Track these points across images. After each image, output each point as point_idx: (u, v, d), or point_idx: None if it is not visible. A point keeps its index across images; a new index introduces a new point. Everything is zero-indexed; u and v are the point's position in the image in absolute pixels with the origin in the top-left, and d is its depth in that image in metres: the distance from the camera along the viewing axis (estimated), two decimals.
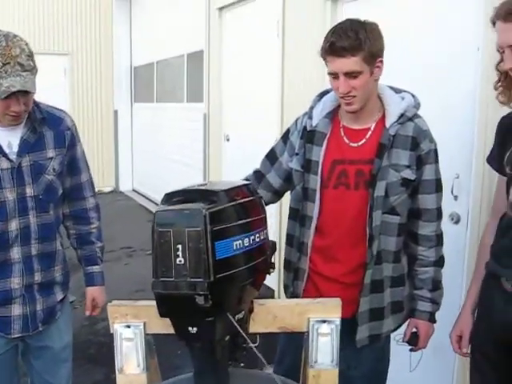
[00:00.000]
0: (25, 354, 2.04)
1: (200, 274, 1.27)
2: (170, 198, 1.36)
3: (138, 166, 8.79)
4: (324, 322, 1.65)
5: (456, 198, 2.56)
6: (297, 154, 1.91)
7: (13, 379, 2.00)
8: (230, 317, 1.35)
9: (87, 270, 2.17)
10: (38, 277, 1.93)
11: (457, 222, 2.56)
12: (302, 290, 1.94)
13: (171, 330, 1.62)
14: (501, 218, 1.72)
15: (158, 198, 1.33)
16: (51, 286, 1.99)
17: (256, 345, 1.51)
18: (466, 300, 1.87)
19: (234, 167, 4.99)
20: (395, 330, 1.94)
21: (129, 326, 1.61)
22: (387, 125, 1.79)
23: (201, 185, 1.43)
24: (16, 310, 1.90)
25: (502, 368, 1.70)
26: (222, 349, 1.43)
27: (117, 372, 1.60)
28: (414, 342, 1.90)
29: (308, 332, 1.64)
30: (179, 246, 1.27)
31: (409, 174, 1.79)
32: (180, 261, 1.27)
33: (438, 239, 1.88)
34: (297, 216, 1.94)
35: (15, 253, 1.88)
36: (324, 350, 1.65)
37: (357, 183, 1.82)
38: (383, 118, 1.82)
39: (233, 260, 1.33)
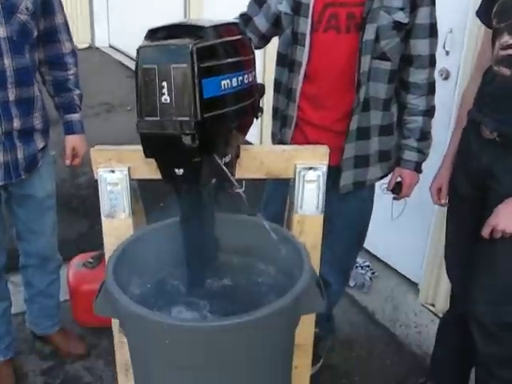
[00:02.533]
0: (8, 202, 2.03)
1: (187, 113, 1.22)
2: (153, 33, 1.25)
3: (115, 20, 8.31)
4: (310, 168, 1.65)
5: (448, 53, 2.47)
6: None
7: None
8: (217, 159, 1.32)
9: (66, 119, 2.11)
10: (16, 123, 1.86)
11: (446, 78, 2.50)
12: (290, 138, 1.91)
13: (156, 175, 1.61)
14: (485, 72, 1.68)
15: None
16: (31, 133, 1.93)
17: (242, 190, 1.51)
18: (447, 151, 1.88)
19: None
20: (381, 178, 1.96)
21: (113, 171, 1.59)
22: None
23: (186, 21, 1.32)
24: None
25: (477, 209, 1.74)
26: (209, 193, 1.42)
27: (102, 218, 1.61)
28: (397, 190, 1.93)
29: (294, 178, 1.64)
30: (164, 84, 1.20)
31: (401, 17, 1.69)
32: (165, 99, 1.21)
33: (430, 88, 1.83)
34: (285, 62, 1.86)
35: None
36: (310, 196, 1.66)
37: (347, 26, 1.72)
38: None
39: (221, 100, 1.27)
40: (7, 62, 1.79)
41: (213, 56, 1.24)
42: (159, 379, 1.35)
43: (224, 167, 1.34)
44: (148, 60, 1.21)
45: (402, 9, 1.68)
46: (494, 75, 1.59)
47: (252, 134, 4.06)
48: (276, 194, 1.95)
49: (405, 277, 2.89)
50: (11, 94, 1.82)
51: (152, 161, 1.57)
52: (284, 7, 1.79)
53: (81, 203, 3.58)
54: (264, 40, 1.95)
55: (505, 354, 1.72)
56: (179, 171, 1.32)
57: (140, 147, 1.59)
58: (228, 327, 1.19)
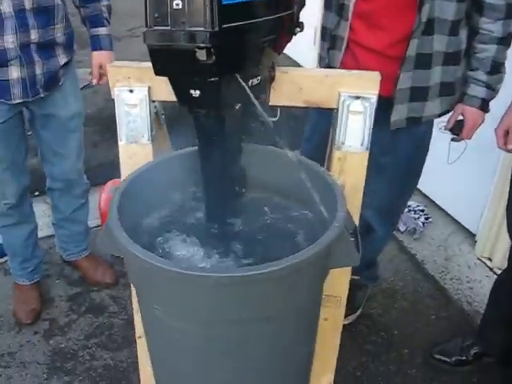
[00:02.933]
0: (32, 122, 1.91)
1: (200, 22, 1.01)
2: None
3: None
4: (358, 98, 1.42)
5: None
6: None
7: (20, 147, 1.91)
8: (240, 79, 1.12)
9: (92, 33, 1.93)
10: (34, 35, 1.70)
11: None
12: (339, 62, 1.66)
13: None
14: None
15: None
16: (51, 47, 1.77)
17: (275, 119, 1.31)
18: None
19: None
20: (441, 115, 1.69)
21: (132, 91, 1.41)
22: None
23: None
24: (14, 72, 1.71)
25: None
26: (232, 119, 1.23)
27: (119, 143, 1.46)
28: (457, 130, 1.66)
29: (337, 109, 1.42)
30: None
31: None
32: (177, 4, 1.00)
33: (509, 10, 1.51)
34: None
35: (6, 6, 1.63)
36: (354, 130, 1.44)
37: None
38: None
39: (245, 7, 1.05)
40: None
41: None
42: (164, 331, 1.21)
43: (248, 90, 1.14)
44: None
45: None
46: None
47: (307, 58, 3.85)
48: (319, 127, 1.73)
49: (461, 225, 2.63)
50: (27, 2, 1.65)
51: None
52: None
53: None
54: None
55: None
56: (195, 93, 1.12)
57: None
58: (241, 279, 1.02)
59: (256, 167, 1.37)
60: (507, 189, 1.71)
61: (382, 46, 1.58)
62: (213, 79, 1.09)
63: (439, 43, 1.54)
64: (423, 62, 1.55)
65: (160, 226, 1.35)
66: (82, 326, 2.06)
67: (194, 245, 1.30)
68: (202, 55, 1.03)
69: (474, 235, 2.55)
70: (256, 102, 1.24)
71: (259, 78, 1.21)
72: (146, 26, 1.04)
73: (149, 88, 1.40)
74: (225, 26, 1.02)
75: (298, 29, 1.25)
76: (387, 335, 2.07)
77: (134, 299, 1.56)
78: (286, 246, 1.26)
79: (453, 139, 1.70)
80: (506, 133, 1.59)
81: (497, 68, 1.57)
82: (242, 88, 1.14)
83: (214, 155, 1.26)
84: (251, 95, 1.15)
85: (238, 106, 1.20)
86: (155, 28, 1.03)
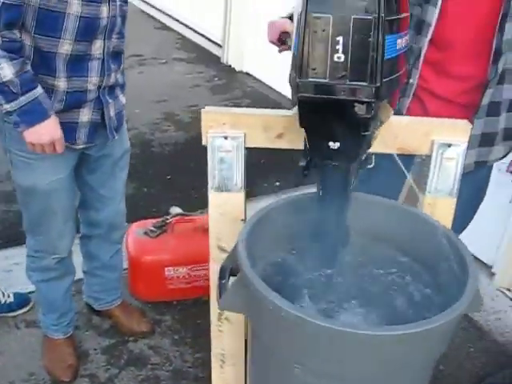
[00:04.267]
0: (79, 168, 1.79)
1: (364, 77, 1.00)
2: None
3: None
4: (450, 145, 1.44)
5: None
6: None
7: (74, 198, 1.82)
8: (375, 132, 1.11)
9: None
10: (113, 78, 1.65)
11: None
12: (406, 108, 1.68)
13: (275, 144, 1.41)
14: None
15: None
16: (115, 88, 1.70)
17: (371, 166, 1.31)
18: None
19: None
20: (502, 158, 1.74)
21: (226, 138, 1.37)
22: None
23: None
24: (85, 115, 1.62)
25: None
26: (354, 169, 1.21)
27: (210, 191, 1.40)
28: None
29: (431, 155, 1.43)
30: (340, 39, 0.97)
31: None
32: (339, 57, 0.99)
33: None
34: (411, 22, 1.62)
35: (97, 47, 1.57)
36: (446, 176, 1.46)
37: None
38: None
39: (395, 62, 1.05)
40: (119, 7, 1.58)
41: (395, 8, 1.02)
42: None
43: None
44: (320, 7, 0.97)
45: None
46: None
47: None
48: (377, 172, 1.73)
49: (477, 258, 2.71)
50: (111, 45, 1.60)
51: (272, 127, 1.38)
52: None
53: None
54: None
55: None
56: (334, 145, 1.10)
57: (256, 111, 1.42)
58: (398, 337, 1.00)
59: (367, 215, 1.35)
60: None
61: (452, 93, 1.62)
62: (366, 133, 1.07)
63: (508, 92, 1.60)
64: (494, 109, 1.60)
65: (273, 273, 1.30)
66: (126, 380, 1.93)
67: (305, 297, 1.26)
68: (361, 110, 1.02)
69: (489, 267, 2.63)
70: (396, 157, 1.24)
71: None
72: (299, 76, 1.02)
73: (244, 134, 1.37)
74: (385, 80, 1.01)
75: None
76: (435, 371, 2.08)
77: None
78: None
79: None
80: None
81: None
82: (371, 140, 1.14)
83: (335, 204, 1.23)
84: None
85: (364, 157, 1.20)
86: (310, 80, 1.01)
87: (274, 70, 4.36)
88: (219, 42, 4.87)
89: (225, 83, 4.47)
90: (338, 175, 1.18)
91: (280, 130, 1.39)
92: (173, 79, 4.36)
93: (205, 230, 2.27)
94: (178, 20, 5.40)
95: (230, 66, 4.76)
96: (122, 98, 1.74)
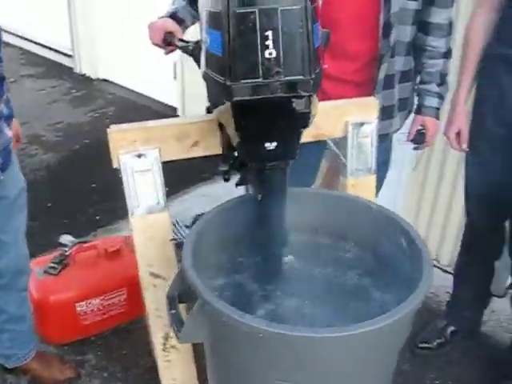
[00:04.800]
0: None
1: (299, 71, 0.95)
2: None
3: None
4: (362, 124, 1.45)
5: None
6: None
7: None
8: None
9: None
10: None
11: None
12: None
13: (191, 153, 1.32)
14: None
15: None
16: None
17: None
18: (459, 94, 1.76)
19: None
20: (399, 129, 1.80)
21: (140, 156, 1.25)
22: None
23: None
24: None
25: (509, 159, 1.69)
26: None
27: (132, 216, 1.28)
28: (419, 140, 1.79)
29: (347, 137, 1.43)
30: (269, 34, 0.91)
31: None
32: (270, 53, 0.92)
33: (450, 28, 1.69)
34: None
35: None
36: (364, 155, 1.47)
37: None
38: None
39: (319, 52, 1.01)
40: None
41: None
42: None
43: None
44: (244, 1, 0.90)
45: None
46: None
47: (168, 93, 3.72)
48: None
49: None
50: None
51: (186, 136, 1.29)
52: None
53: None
54: None
55: None
56: (271, 145, 1.04)
57: (166, 122, 1.31)
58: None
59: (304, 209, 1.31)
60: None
61: (348, 73, 1.63)
62: (304, 129, 1.03)
63: (398, 64, 1.65)
64: (389, 82, 1.65)
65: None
66: None
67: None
68: (300, 104, 0.97)
69: None
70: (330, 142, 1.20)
71: None
72: (230, 80, 0.94)
73: (159, 149, 1.26)
74: (316, 71, 0.97)
75: None
76: None
77: None
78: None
79: (415, 148, 1.83)
80: (457, 135, 1.77)
81: (444, 79, 1.74)
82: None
83: (276, 206, 1.17)
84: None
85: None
86: (243, 81, 0.94)
87: (134, 73, 4.21)
88: (68, 52, 4.55)
89: (84, 94, 4.19)
90: (277, 176, 1.12)
91: (195, 138, 1.31)
92: (27, 98, 3.99)
93: (108, 254, 2.13)
94: (18, 34, 4.95)
95: (85, 74, 4.48)
96: (8, 132, 1.52)
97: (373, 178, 1.49)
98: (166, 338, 1.38)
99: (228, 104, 1.00)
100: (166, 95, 3.72)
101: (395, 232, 1.24)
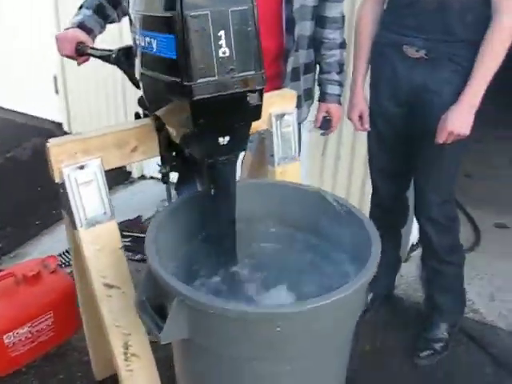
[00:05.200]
0: None
1: (251, 66, 1.02)
2: None
3: None
4: (283, 115, 1.55)
5: None
6: None
7: None
8: None
9: None
10: None
11: None
12: None
13: (131, 159, 1.33)
14: None
15: None
16: None
17: None
18: (356, 80, 1.92)
19: None
20: (307, 117, 1.92)
21: (82, 167, 1.24)
22: None
23: None
24: None
25: (401, 133, 1.88)
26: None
27: (80, 230, 1.26)
28: (326, 126, 1.92)
29: (272, 128, 1.52)
30: (221, 34, 0.97)
31: None
32: (224, 52, 0.98)
33: (343, 20, 1.84)
34: None
35: None
36: (288, 143, 1.57)
37: None
38: None
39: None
40: None
41: None
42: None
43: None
44: (196, 5, 0.95)
45: None
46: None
47: (49, 109, 3.51)
48: None
49: None
50: None
51: (125, 142, 1.30)
52: None
53: None
54: None
55: (453, 242, 1.95)
56: (224, 140, 1.10)
57: (104, 130, 1.31)
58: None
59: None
60: None
61: None
62: (255, 120, 1.09)
63: (302, 57, 1.77)
64: (296, 75, 1.76)
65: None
66: None
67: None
68: (253, 98, 1.04)
69: None
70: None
71: None
72: (185, 80, 0.98)
73: (101, 158, 1.26)
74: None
75: None
76: None
77: None
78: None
79: (322, 134, 1.96)
80: (360, 117, 1.93)
81: (342, 68, 1.89)
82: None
83: (229, 197, 1.22)
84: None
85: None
86: (200, 80, 0.98)
87: (10, 90, 3.93)
88: None
89: None
90: (230, 168, 1.18)
91: (134, 144, 1.32)
92: None
93: (28, 279, 2.03)
94: None
95: None
96: None
97: (298, 165, 1.60)
98: (127, 347, 1.37)
99: (176, 104, 1.05)
100: (49, 111, 3.57)
101: (334, 209, 1.36)
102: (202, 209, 1.28)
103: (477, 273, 2.51)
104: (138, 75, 1.18)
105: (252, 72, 1.01)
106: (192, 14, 0.94)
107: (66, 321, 2.01)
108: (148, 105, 1.25)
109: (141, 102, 1.33)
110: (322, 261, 1.37)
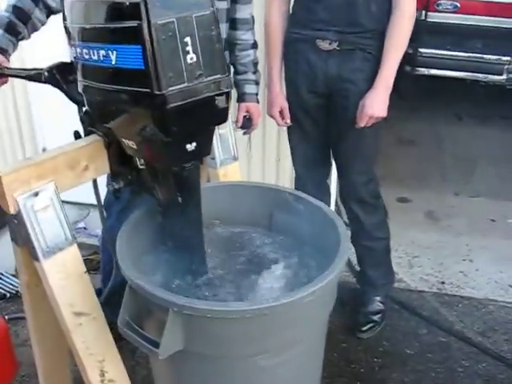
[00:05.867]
0: None
1: (219, 70, 1.03)
2: None
3: None
4: None
5: None
6: None
7: None
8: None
9: None
10: None
11: None
12: None
13: (84, 178, 1.28)
14: None
15: None
16: None
17: None
18: (272, 77, 1.98)
19: None
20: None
21: (37, 194, 1.18)
22: None
23: None
24: None
25: (321, 123, 1.99)
26: None
27: (42, 261, 1.19)
28: (247, 125, 1.96)
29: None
30: (188, 40, 0.98)
31: None
32: (191, 58, 0.99)
33: (253, 21, 1.90)
34: None
35: None
36: (226, 144, 1.60)
37: None
38: None
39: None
40: None
41: None
42: None
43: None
44: (162, 12, 0.95)
45: None
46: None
47: None
48: None
49: None
50: None
51: (76, 162, 1.25)
52: None
53: None
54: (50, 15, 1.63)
55: (380, 217, 2.09)
56: (191, 146, 1.10)
57: (54, 152, 1.24)
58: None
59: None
60: None
61: None
62: (222, 122, 1.10)
63: None
64: None
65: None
66: None
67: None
68: (221, 101, 1.05)
69: None
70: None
71: None
72: (156, 89, 0.97)
73: (54, 182, 1.20)
74: None
75: None
76: None
77: None
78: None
79: (245, 133, 2.00)
80: (280, 112, 1.99)
81: (257, 67, 1.94)
82: None
83: (196, 204, 1.23)
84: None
85: None
86: (172, 88, 0.98)
87: None
88: None
89: None
90: (195, 174, 1.18)
91: (85, 162, 1.28)
92: None
93: None
94: None
95: None
96: None
97: (237, 164, 1.63)
98: (103, 374, 1.32)
99: (137, 115, 1.04)
100: None
101: (287, 201, 1.41)
102: (165, 220, 1.27)
103: (391, 245, 2.71)
104: (81, 90, 1.15)
105: (219, 75, 1.02)
106: (159, 22, 0.94)
107: (4, 364, 1.87)
108: (96, 119, 1.22)
109: (84, 118, 1.29)
110: (280, 255, 1.41)
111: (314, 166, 2.12)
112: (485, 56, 3.37)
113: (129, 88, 1.01)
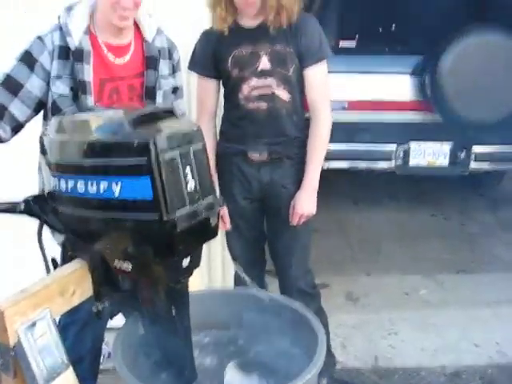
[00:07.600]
0: None
1: (210, 192, 1.19)
2: (138, 121, 1.13)
3: None
4: None
5: None
6: (59, 77, 1.65)
7: None
8: None
9: None
10: None
11: None
12: None
13: (72, 303, 1.33)
14: (227, 114, 2.10)
15: None
16: None
17: None
18: None
19: None
20: None
21: (34, 324, 1.22)
22: (149, 38, 1.79)
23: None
24: None
25: (256, 226, 2.20)
26: None
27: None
28: None
29: None
30: (188, 170, 1.13)
31: (174, 82, 1.88)
32: (191, 184, 1.13)
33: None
34: None
35: None
36: None
37: (130, 99, 1.77)
38: (138, 31, 1.80)
39: None
40: None
41: None
42: None
43: None
44: (168, 148, 1.09)
45: (170, 74, 1.86)
46: (247, 112, 2.01)
47: None
48: None
49: None
50: None
51: (65, 288, 1.30)
52: (60, 89, 1.65)
53: None
54: (19, 129, 1.71)
55: (317, 305, 2.25)
56: (186, 261, 1.22)
57: (46, 280, 1.29)
58: None
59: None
60: None
61: None
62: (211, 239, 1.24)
63: None
64: None
65: None
66: None
67: None
68: (214, 220, 1.20)
69: None
70: None
71: None
72: (169, 216, 1.09)
73: (49, 310, 1.25)
74: None
75: None
76: None
77: None
78: None
79: None
80: (222, 218, 2.14)
81: None
82: None
83: (187, 314, 1.32)
84: None
85: None
86: (178, 214, 1.10)
87: None
88: None
89: None
90: (186, 286, 1.29)
91: (72, 288, 1.33)
92: None
93: None
94: None
95: None
96: None
97: None
98: None
99: (135, 238, 1.15)
100: None
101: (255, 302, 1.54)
102: (153, 331, 1.34)
103: None
104: (66, 219, 1.25)
105: (211, 196, 1.18)
106: (166, 157, 1.08)
107: None
108: (82, 246, 1.30)
109: (66, 243, 1.36)
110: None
111: (249, 263, 2.26)
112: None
113: (132, 215, 1.13)
